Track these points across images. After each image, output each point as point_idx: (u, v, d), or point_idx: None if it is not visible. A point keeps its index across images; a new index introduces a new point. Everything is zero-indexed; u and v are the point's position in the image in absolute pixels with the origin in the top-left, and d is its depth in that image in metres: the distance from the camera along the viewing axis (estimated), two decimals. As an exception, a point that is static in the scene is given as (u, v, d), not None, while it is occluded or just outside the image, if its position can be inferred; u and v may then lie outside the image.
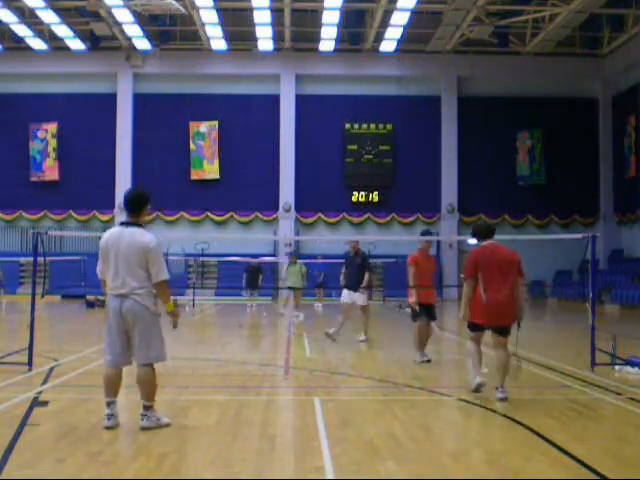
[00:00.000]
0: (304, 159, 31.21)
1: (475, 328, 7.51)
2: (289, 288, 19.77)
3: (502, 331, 7.27)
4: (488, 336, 7.51)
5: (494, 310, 7.16)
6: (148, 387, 5.92)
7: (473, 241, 7.88)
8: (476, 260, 7.35)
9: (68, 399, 7.16)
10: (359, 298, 12.69)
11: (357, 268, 12.65)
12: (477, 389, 7.35)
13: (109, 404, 5.88)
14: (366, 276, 12.67)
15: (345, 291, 12.68)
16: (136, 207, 5.99)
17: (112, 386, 5.90)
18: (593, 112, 32.14)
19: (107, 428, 5.78)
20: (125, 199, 6.03)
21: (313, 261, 26.90)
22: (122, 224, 6.03)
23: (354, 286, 12.56)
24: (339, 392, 8.02)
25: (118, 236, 5.90)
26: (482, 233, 7.64)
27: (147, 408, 5.91)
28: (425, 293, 10.15)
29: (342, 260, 13.79)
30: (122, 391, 8.53)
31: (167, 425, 5.92)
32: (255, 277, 22.46)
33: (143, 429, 5.83)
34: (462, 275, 7.71)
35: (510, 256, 7.34)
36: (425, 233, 11.33)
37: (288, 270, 20.01)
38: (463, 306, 7.41)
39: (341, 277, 13.02)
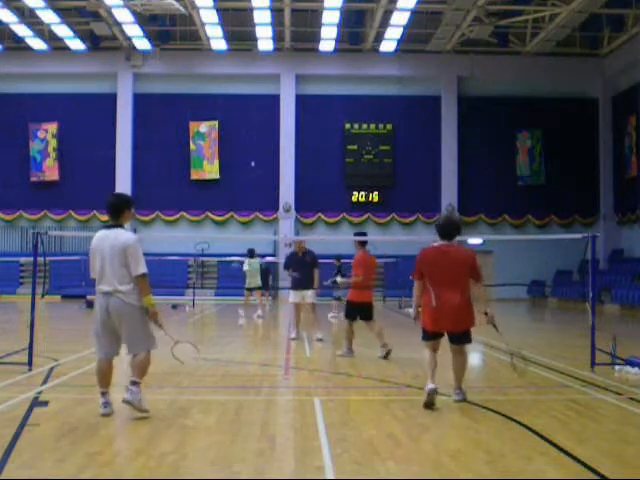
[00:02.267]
0: (304, 159, 31.20)
1: (430, 336, 6.96)
2: (248, 289, 19.48)
3: (456, 339, 6.91)
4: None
5: (443, 315, 6.75)
6: (141, 366, 6.30)
7: (474, 241, 7.91)
8: (421, 261, 6.94)
9: (68, 399, 7.17)
10: (310, 296, 12.93)
11: (308, 267, 12.92)
12: (429, 401, 6.68)
13: (104, 394, 6.27)
14: (316, 275, 13.02)
15: (292, 291, 12.95)
16: (116, 210, 6.39)
17: (105, 377, 6.31)
18: (593, 112, 32.12)
19: (104, 415, 6.13)
20: (106, 203, 6.42)
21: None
22: (106, 227, 6.41)
23: (305, 285, 12.81)
24: (339, 392, 8.02)
25: (103, 238, 6.31)
26: (446, 233, 6.99)
27: (134, 383, 6.25)
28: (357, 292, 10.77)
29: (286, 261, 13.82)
30: (122, 391, 8.53)
31: (146, 412, 6.23)
32: (266, 277, 22.28)
33: (125, 402, 6.17)
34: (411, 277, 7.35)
35: (461, 256, 6.85)
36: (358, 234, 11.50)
37: (247, 265, 19.64)
38: (414, 306, 7.13)
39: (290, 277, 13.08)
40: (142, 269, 6.19)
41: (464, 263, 6.78)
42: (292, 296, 13.12)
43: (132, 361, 6.36)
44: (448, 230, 7.00)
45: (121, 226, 6.40)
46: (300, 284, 12.87)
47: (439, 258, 6.83)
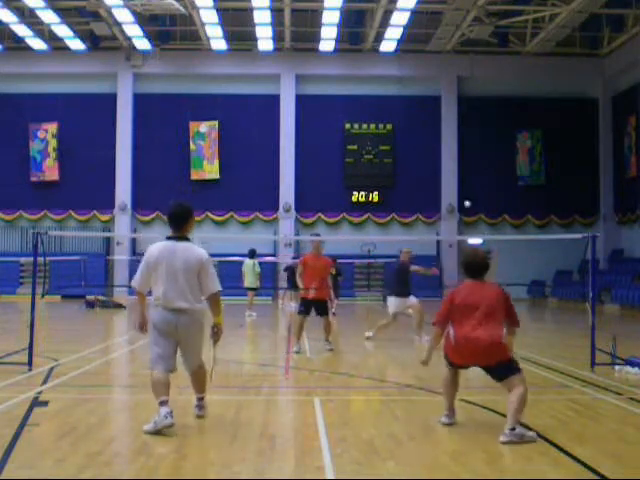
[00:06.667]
0: (304, 159, 31.18)
1: (454, 366, 6.19)
2: (246, 289, 19.82)
3: (496, 373, 5.93)
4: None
5: (470, 351, 5.91)
6: (203, 383, 6.36)
7: (474, 240, 7.73)
8: (453, 302, 6.09)
9: (68, 399, 7.16)
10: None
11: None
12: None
13: (165, 402, 5.85)
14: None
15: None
16: (182, 221, 6.07)
17: (166, 386, 5.93)
18: (593, 112, 32.10)
19: (169, 426, 5.69)
20: (170, 214, 6.09)
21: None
22: (171, 238, 6.06)
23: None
24: (339, 392, 8.02)
25: (171, 250, 5.96)
26: (475, 272, 6.23)
27: (202, 399, 6.39)
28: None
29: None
30: (124, 390, 8.54)
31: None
32: (294, 277, 22.47)
33: (199, 417, 6.28)
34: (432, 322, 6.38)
35: (492, 294, 6.09)
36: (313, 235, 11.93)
37: (244, 265, 20.07)
38: (428, 351, 6.28)
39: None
40: (218, 287, 6.07)
41: (500, 301, 6.05)
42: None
43: (195, 380, 6.32)
44: (482, 269, 6.24)
45: (188, 239, 6.09)
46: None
47: (473, 296, 6.04)
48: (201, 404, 6.36)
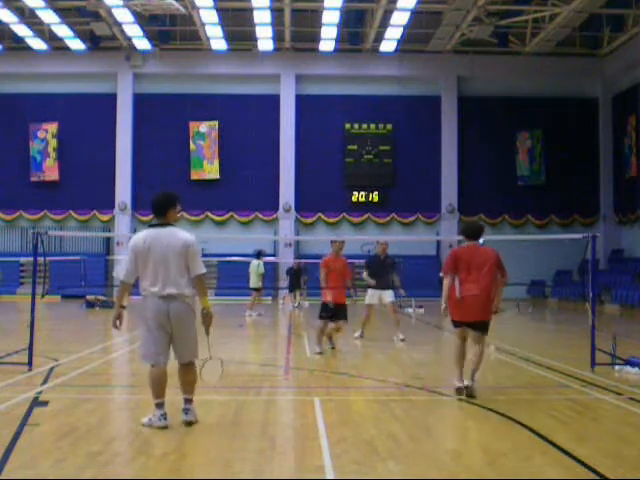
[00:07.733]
0: (304, 159, 31.18)
1: (457, 324, 7.64)
2: (249, 289, 19.95)
3: (479, 327, 7.43)
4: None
5: (468, 305, 7.35)
6: (193, 383, 6.13)
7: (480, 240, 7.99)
8: (457, 258, 7.57)
9: (68, 399, 7.16)
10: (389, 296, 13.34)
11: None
12: (458, 392, 7.37)
13: (161, 405, 5.91)
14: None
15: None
16: (162, 209, 6.10)
17: (163, 385, 5.98)
18: (593, 112, 32.08)
19: (163, 428, 5.80)
20: (152, 203, 6.15)
21: (314, 261, 26.90)
22: (154, 226, 6.10)
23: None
24: (339, 392, 8.02)
25: (156, 236, 5.98)
26: (472, 234, 7.81)
27: (189, 401, 6.09)
28: (333, 293, 11.11)
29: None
30: (122, 391, 8.54)
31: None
32: (298, 278, 22.63)
33: (189, 424, 5.96)
34: (441, 274, 8.14)
35: (490, 254, 7.58)
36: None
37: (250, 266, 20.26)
38: (443, 300, 7.59)
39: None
40: (202, 269, 6.07)
41: (489, 258, 7.49)
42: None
43: (185, 377, 6.11)
44: (478, 232, 7.84)
45: (172, 224, 6.09)
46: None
47: (473, 255, 7.52)
48: (188, 407, 6.06)
